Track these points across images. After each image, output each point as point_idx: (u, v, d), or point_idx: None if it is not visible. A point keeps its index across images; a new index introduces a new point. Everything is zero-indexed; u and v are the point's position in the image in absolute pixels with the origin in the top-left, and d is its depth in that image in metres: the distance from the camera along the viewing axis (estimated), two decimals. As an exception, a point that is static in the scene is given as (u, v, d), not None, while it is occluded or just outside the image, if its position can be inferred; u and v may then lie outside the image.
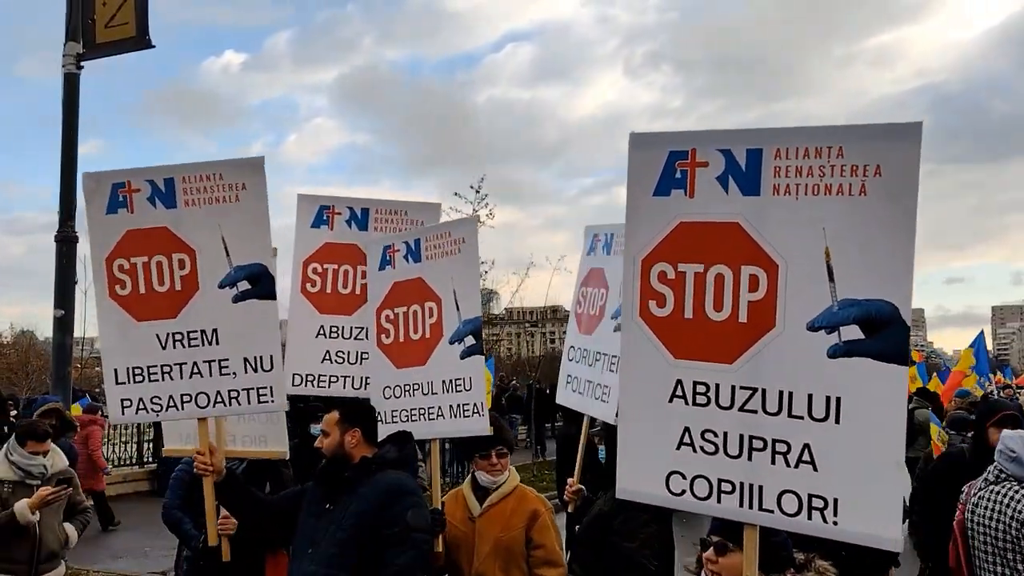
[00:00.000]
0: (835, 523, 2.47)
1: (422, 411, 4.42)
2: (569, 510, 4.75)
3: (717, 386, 2.62)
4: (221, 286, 4.03)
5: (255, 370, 4.05)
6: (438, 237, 4.45)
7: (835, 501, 2.47)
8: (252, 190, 4.04)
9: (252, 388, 4.06)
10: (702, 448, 2.63)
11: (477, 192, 20.15)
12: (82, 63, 8.83)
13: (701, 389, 2.64)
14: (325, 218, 5.47)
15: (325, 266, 5.42)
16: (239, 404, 4.08)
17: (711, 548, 2.81)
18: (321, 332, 5.39)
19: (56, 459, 5.21)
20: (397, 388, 4.52)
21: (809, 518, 2.50)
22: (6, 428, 10.48)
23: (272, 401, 4.11)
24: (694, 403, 2.64)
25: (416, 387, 4.45)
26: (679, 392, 2.66)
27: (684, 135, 2.70)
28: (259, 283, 4.04)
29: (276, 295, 4.10)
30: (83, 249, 9.10)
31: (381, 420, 4.32)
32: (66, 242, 9.01)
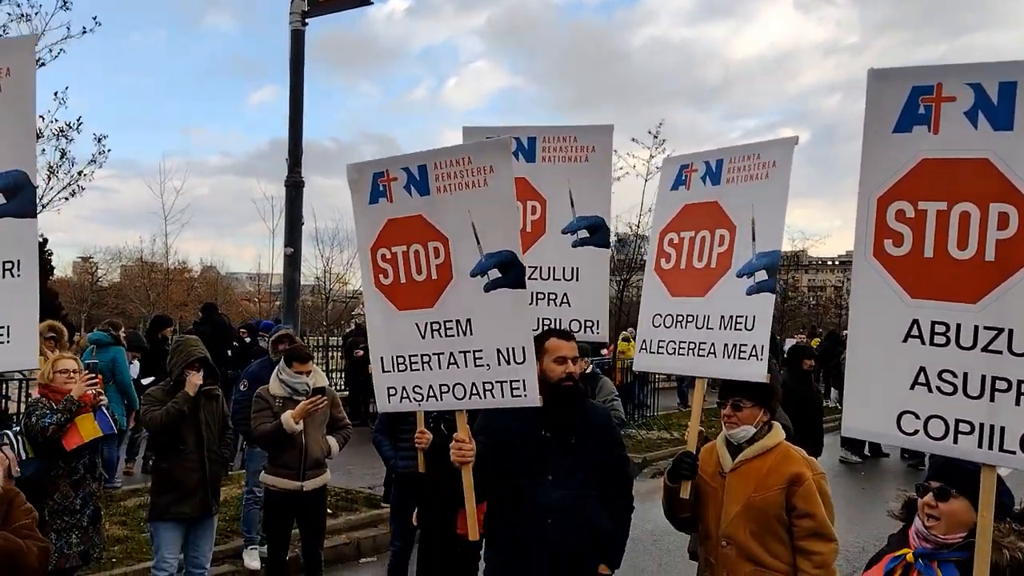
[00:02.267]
0: None
1: (693, 345, 4.09)
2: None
3: (958, 326, 2.59)
4: (473, 275, 3.91)
5: (508, 362, 3.86)
6: (744, 159, 4.07)
7: None
8: (500, 173, 3.87)
9: (505, 381, 3.87)
10: (939, 388, 2.62)
11: (655, 137, 19.67)
12: (307, 20, 9.53)
13: (940, 329, 2.62)
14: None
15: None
16: (493, 397, 3.90)
17: (930, 494, 2.74)
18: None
19: (318, 378, 6.02)
20: (668, 317, 4.23)
21: None
22: (229, 352, 12.12)
23: (525, 395, 3.83)
24: (931, 343, 2.63)
25: (691, 319, 4.12)
26: (915, 332, 2.66)
27: (929, 69, 2.63)
28: (509, 271, 3.87)
29: (526, 284, 3.92)
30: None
31: (645, 348, 4.28)
32: (295, 187, 9.76)
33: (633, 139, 19.54)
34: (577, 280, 4.92)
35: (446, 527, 4.86)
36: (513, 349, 3.82)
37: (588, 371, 7.43)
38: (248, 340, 13.00)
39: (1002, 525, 2.57)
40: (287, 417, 5.64)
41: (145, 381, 9.15)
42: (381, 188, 4.07)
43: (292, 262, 9.91)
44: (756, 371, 3.78)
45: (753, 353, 3.82)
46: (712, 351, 3.98)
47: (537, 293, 4.80)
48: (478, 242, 3.88)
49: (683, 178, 4.27)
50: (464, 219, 3.89)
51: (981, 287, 2.56)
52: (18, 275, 3.54)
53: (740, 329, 3.89)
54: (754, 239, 3.90)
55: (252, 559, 6.85)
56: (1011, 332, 2.52)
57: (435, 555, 5.26)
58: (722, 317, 3.96)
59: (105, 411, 5.13)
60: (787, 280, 25.84)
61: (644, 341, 4.29)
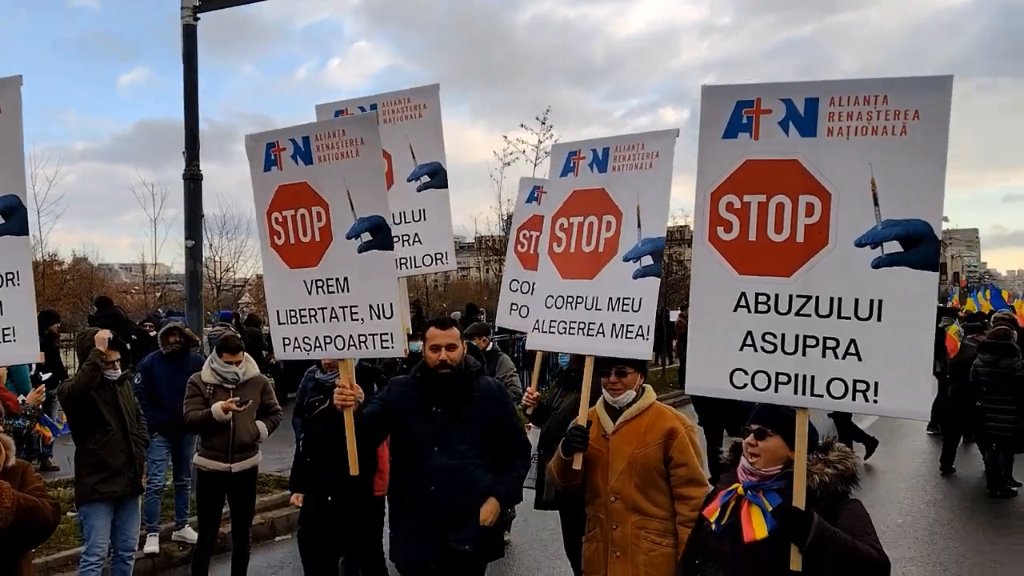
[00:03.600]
0: (875, 402, 3.02)
1: (583, 325, 4.33)
2: (528, 413, 5.49)
3: (776, 296, 3.15)
4: (348, 237, 4.31)
5: (378, 316, 4.29)
6: (629, 148, 4.32)
7: (876, 384, 3.02)
8: (369, 145, 4.27)
9: (377, 334, 4.31)
10: (762, 348, 3.17)
11: (543, 123, 20.25)
12: (198, 15, 9.53)
13: (763, 299, 3.17)
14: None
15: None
16: (367, 348, 4.36)
17: (751, 435, 3.18)
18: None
19: (249, 367, 6.40)
20: (560, 299, 4.47)
21: (853, 399, 3.05)
22: (128, 345, 12.09)
23: (392, 347, 4.32)
24: (756, 311, 3.18)
25: (580, 300, 4.37)
26: (743, 303, 3.19)
27: (750, 87, 3.20)
28: (379, 234, 4.27)
29: (393, 246, 4.34)
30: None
31: (538, 329, 4.56)
32: (193, 179, 9.76)
33: (522, 125, 20.17)
34: (424, 220, 5.64)
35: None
36: (383, 305, 4.29)
37: (489, 348, 7.93)
38: (152, 334, 12.86)
39: (811, 456, 3.11)
40: (216, 408, 6.05)
41: (44, 377, 9.05)
42: (273, 157, 4.51)
43: (193, 254, 9.91)
44: (642, 350, 4.12)
45: (640, 333, 4.13)
46: (601, 331, 4.26)
47: (391, 237, 5.26)
48: (352, 207, 4.31)
49: (571, 165, 4.56)
50: (340, 186, 4.33)
51: (794, 263, 3.13)
52: (18, 284, 3.92)
53: (627, 310, 4.18)
54: (639, 226, 4.20)
55: (151, 544, 7.24)
56: (817, 299, 3.11)
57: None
58: (610, 299, 4.25)
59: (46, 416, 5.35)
60: (671, 255, 26.90)
61: (538, 321, 4.58)
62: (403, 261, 5.60)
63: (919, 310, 2.98)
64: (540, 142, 19.62)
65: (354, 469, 4.29)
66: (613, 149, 4.38)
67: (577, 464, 4.04)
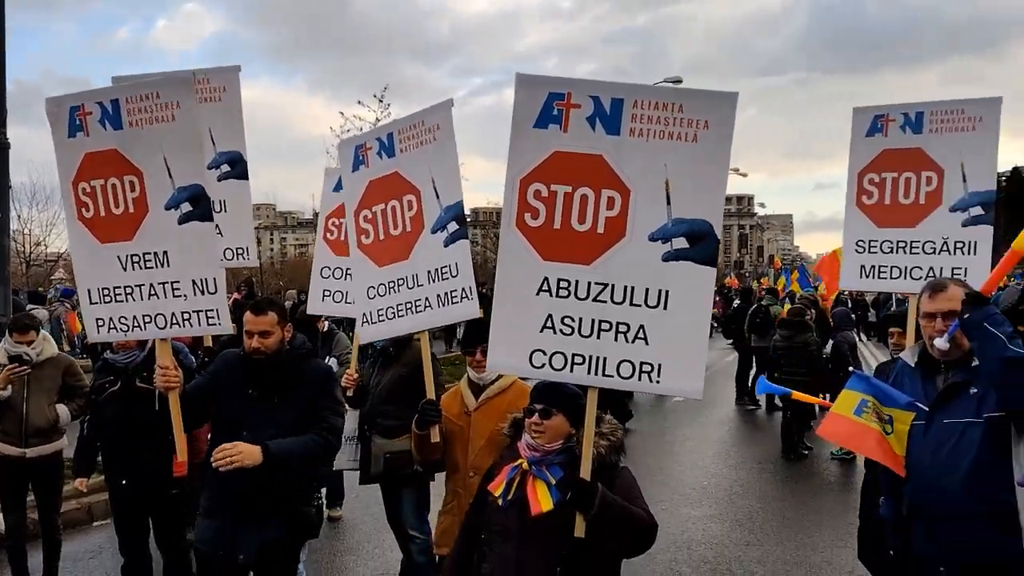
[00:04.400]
0: (658, 382, 3.31)
1: (409, 305, 4.44)
2: (349, 394, 5.58)
3: (576, 282, 3.35)
4: (167, 208, 4.06)
5: (202, 292, 4.10)
6: (411, 128, 4.41)
7: (659, 366, 3.30)
8: (185, 109, 4.03)
9: (201, 310, 4.13)
10: (561, 331, 3.36)
11: (380, 101, 20.21)
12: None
13: (564, 284, 3.35)
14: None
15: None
16: (191, 326, 4.16)
17: (536, 414, 3.29)
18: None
19: (46, 347, 5.90)
20: (381, 287, 4.53)
21: (639, 380, 3.32)
22: None
23: (219, 323, 4.15)
24: (557, 295, 3.36)
25: (401, 282, 4.45)
26: (545, 287, 3.36)
27: (562, 80, 3.34)
28: (199, 204, 4.06)
29: (213, 217, 4.17)
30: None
31: (367, 321, 4.56)
32: (0, 149, 9.08)
33: (359, 102, 20.02)
34: (225, 211, 5.52)
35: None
36: (206, 280, 4.10)
37: (325, 329, 7.93)
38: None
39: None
40: None
41: None
42: (78, 122, 4.14)
43: (1, 228, 9.24)
44: (470, 310, 4.29)
45: (464, 295, 4.30)
46: (428, 304, 4.39)
47: (212, 207, 5.30)
48: (170, 176, 4.07)
49: (360, 158, 4.65)
50: (156, 153, 4.05)
51: (594, 252, 3.33)
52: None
53: (447, 277, 4.34)
54: (438, 196, 4.33)
55: None
56: (613, 287, 3.33)
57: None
58: (429, 272, 4.38)
59: None
60: (497, 236, 27.44)
61: (365, 314, 4.64)
62: None
63: (699, 301, 3.29)
64: (378, 119, 19.58)
65: (182, 455, 4.14)
66: (396, 132, 4.46)
67: (435, 437, 4.13)
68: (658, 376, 3.31)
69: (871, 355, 20.07)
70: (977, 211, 4.82)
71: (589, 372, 3.36)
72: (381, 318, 4.54)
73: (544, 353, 3.38)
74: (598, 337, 3.35)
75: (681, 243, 3.26)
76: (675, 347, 3.30)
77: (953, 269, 4.83)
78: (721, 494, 9.21)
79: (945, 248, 4.90)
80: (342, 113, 21.19)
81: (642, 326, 3.31)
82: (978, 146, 4.84)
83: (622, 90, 3.27)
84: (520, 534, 3.26)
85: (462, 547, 3.54)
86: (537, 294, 3.37)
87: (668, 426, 13.01)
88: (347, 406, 5.78)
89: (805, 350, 10.83)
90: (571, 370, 3.37)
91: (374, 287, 4.59)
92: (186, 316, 4.15)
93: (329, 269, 6.19)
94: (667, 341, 3.29)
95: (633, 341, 3.32)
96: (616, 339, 3.34)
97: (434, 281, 4.36)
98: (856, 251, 5.20)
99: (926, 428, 3.53)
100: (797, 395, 6.09)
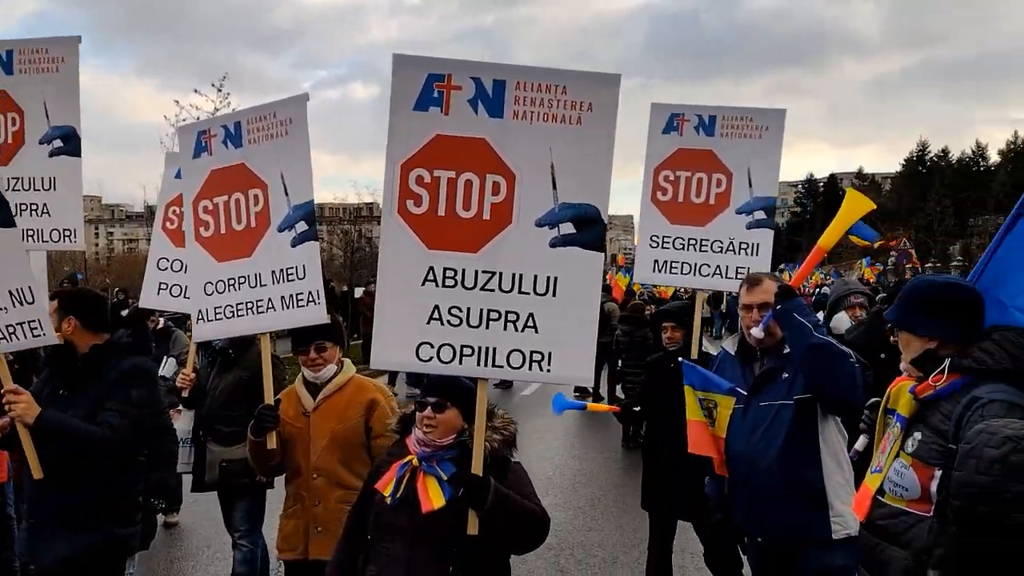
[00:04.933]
0: (549, 371, 3.24)
1: (250, 305, 4.19)
2: (184, 395, 5.44)
3: (463, 271, 3.22)
4: None
5: (20, 303, 3.90)
6: (261, 119, 4.19)
7: (549, 354, 3.23)
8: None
9: (24, 322, 3.92)
10: (449, 322, 3.22)
11: (219, 91, 19.17)
12: None
13: (450, 274, 3.22)
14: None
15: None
16: (18, 339, 3.94)
17: (429, 408, 3.19)
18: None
19: None
20: (220, 283, 4.26)
21: (530, 369, 3.24)
22: None
23: (44, 334, 3.96)
24: (443, 285, 3.22)
25: (242, 280, 4.21)
26: (431, 277, 3.21)
27: (442, 61, 3.19)
28: (1, 212, 3.87)
29: (14, 222, 3.93)
30: None
31: (203, 319, 4.29)
32: None
33: (196, 90, 18.89)
34: (54, 190, 5.15)
35: None
36: (22, 290, 3.90)
37: (160, 326, 7.42)
38: None
39: (486, 424, 3.22)
40: None
41: None
42: None
43: None
44: (317, 315, 4.07)
45: (310, 299, 4.07)
46: (271, 305, 4.14)
47: (20, 204, 4.94)
48: None
49: (203, 144, 4.32)
50: None
51: (480, 240, 3.22)
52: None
53: (293, 279, 4.09)
54: (287, 194, 4.10)
55: None
56: (500, 274, 3.23)
57: None
58: (273, 272, 4.13)
59: None
60: (359, 231, 27.03)
61: (200, 311, 4.32)
62: (29, 233, 5.01)
63: (587, 287, 3.26)
64: (217, 109, 18.40)
65: (36, 472, 3.81)
66: (245, 122, 4.21)
67: (271, 443, 3.97)
68: (548, 364, 3.25)
69: (704, 348, 21.45)
70: (760, 215, 5.10)
71: (479, 363, 3.25)
72: (218, 316, 4.27)
73: (432, 346, 3.23)
74: (487, 327, 3.24)
75: (568, 228, 3.21)
76: (565, 334, 3.25)
77: (738, 268, 5.15)
78: (566, 483, 9.47)
79: (731, 248, 5.18)
80: (177, 102, 19.50)
81: (531, 314, 3.24)
82: (764, 154, 5.10)
83: (505, 71, 3.18)
84: (410, 533, 3.12)
85: (345, 549, 3.35)
86: (423, 284, 3.22)
87: (516, 420, 13.13)
88: (182, 407, 5.58)
89: (644, 344, 11.38)
90: (460, 362, 3.24)
91: (212, 283, 4.29)
92: (11, 330, 3.91)
93: (167, 261, 5.74)
94: (557, 329, 3.24)
95: (523, 330, 3.24)
96: (505, 328, 3.24)
97: (278, 282, 4.13)
98: (650, 246, 5.32)
99: (744, 412, 3.86)
100: (592, 406, 6.35)
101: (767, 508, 3.73)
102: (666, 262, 5.31)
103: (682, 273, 5.31)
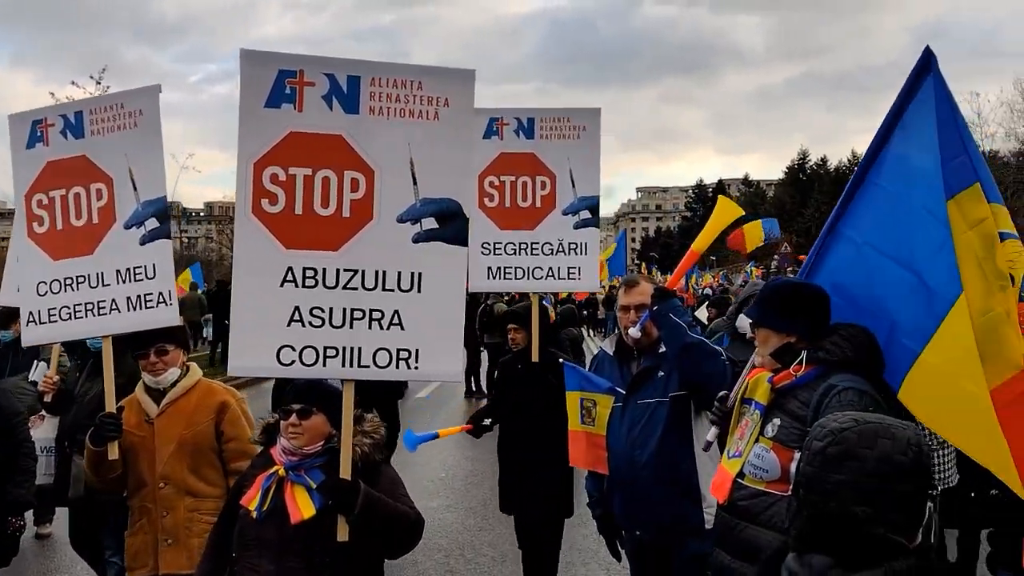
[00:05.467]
0: (416, 368, 3.20)
1: (90, 306, 3.99)
2: (47, 399, 5.12)
3: (324, 270, 3.14)
4: None
5: None
6: (107, 110, 3.98)
7: (417, 351, 3.19)
8: None
9: None
10: (310, 323, 3.13)
11: (99, 83, 18.22)
12: None
13: (310, 273, 3.13)
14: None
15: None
16: None
17: (293, 415, 3.07)
18: None
19: None
20: (55, 283, 4.02)
21: (397, 367, 3.19)
22: None
23: None
24: (303, 285, 3.13)
25: (82, 280, 3.99)
26: (290, 277, 3.11)
27: (293, 57, 3.12)
28: None
29: None
30: None
31: (33, 321, 4.06)
32: None
33: (73, 82, 17.87)
34: None
35: None
36: None
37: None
38: None
39: (354, 428, 3.15)
40: None
41: None
42: None
43: None
44: (169, 316, 3.93)
45: (161, 300, 3.94)
46: (115, 307, 3.97)
47: None
48: None
49: (39, 135, 4.09)
50: None
51: (341, 237, 3.15)
52: None
53: (141, 279, 3.94)
54: (135, 189, 3.94)
55: None
56: (363, 272, 3.17)
57: None
58: (118, 271, 3.97)
59: None
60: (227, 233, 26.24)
61: (31, 313, 4.06)
62: None
63: (452, 282, 3.25)
64: None
65: None
66: (88, 112, 4.02)
67: (113, 453, 3.77)
68: (416, 362, 3.22)
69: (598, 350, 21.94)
70: (586, 215, 5.16)
71: (344, 364, 3.17)
72: (52, 318, 4.03)
73: (293, 349, 3.13)
74: (351, 327, 3.18)
75: (431, 223, 3.20)
76: (431, 330, 3.22)
77: (569, 269, 5.25)
78: (458, 484, 9.50)
79: (561, 249, 5.23)
80: (53, 94, 18.34)
81: (396, 311, 3.19)
82: (583, 153, 5.15)
83: (358, 67, 3.14)
84: (279, 546, 3.01)
85: (209, 567, 3.21)
86: (281, 286, 3.12)
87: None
88: (45, 412, 5.21)
89: (573, 341, 11.45)
90: (324, 364, 3.16)
91: (46, 283, 4.05)
92: None
93: None
94: (423, 325, 3.21)
95: (388, 328, 3.19)
96: (370, 327, 3.19)
97: (124, 282, 3.96)
98: (482, 253, 5.22)
99: (623, 410, 3.98)
100: (443, 432, 6.26)
101: (645, 503, 3.84)
102: (499, 268, 5.27)
103: (516, 278, 5.29)
